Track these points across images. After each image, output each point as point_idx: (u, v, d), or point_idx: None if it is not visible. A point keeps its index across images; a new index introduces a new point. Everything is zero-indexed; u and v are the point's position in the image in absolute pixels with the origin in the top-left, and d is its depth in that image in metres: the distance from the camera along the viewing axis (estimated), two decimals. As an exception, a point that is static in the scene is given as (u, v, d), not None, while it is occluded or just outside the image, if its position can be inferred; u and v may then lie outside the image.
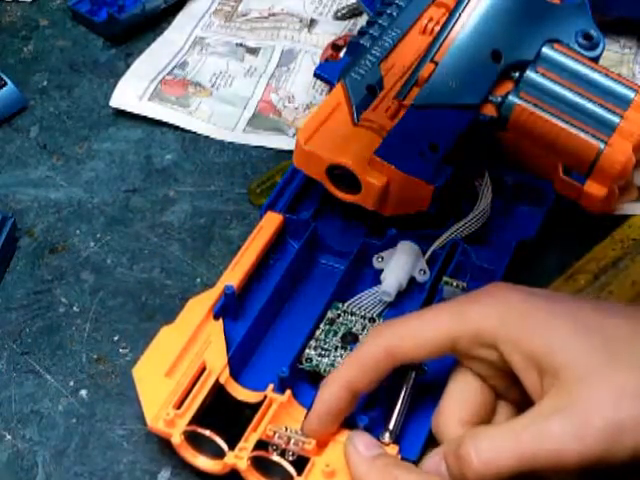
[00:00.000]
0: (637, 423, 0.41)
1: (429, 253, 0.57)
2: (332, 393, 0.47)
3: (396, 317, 0.49)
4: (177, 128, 0.70)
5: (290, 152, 0.61)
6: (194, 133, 0.70)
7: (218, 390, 0.50)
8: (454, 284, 0.54)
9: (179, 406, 0.49)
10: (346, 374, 0.47)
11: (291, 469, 0.47)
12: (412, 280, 0.57)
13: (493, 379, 0.48)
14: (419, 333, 0.47)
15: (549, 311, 0.45)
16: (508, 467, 0.42)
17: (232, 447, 0.48)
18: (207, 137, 0.70)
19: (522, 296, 0.47)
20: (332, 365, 0.52)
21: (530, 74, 0.59)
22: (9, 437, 0.53)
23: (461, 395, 0.48)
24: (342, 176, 0.56)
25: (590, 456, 0.41)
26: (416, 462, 0.49)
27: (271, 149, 0.69)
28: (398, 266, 0.56)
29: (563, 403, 0.42)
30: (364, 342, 0.48)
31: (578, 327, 0.44)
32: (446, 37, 0.60)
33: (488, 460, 0.42)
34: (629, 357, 0.43)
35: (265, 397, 0.49)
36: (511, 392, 0.48)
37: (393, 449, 0.48)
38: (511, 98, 0.58)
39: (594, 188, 0.60)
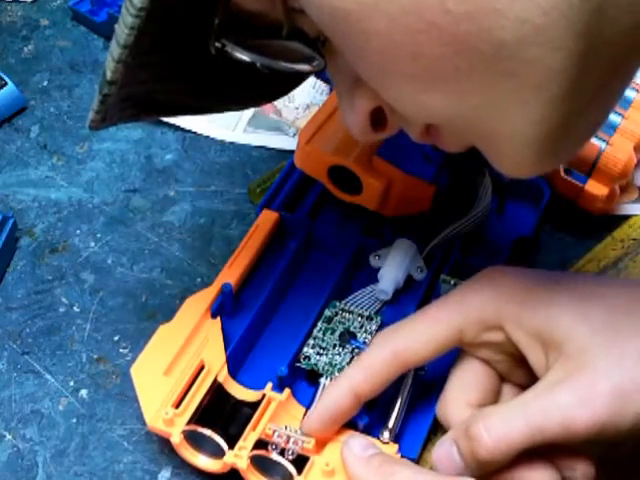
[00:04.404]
0: (638, 387, 0.42)
1: (427, 251, 0.57)
2: (337, 396, 0.47)
3: (398, 321, 0.49)
4: (177, 128, 0.71)
5: (290, 152, 0.61)
6: (194, 133, 0.70)
7: (217, 389, 0.50)
8: (451, 282, 0.54)
9: (178, 405, 0.49)
10: (352, 377, 0.47)
11: (291, 468, 0.47)
12: (410, 278, 0.57)
13: (498, 362, 0.48)
14: (426, 333, 0.47)
15: (548, 285, 0.46)
16: (519, 441, 0.43)
17: (232, 446, 0.48)
18: (207, 137, 0.70)
19: (519, 274, 0.47)
20: (330, 364, 0.52)
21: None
22: (9, 437, 0.53)
23: (465, 379, 0.49)
24: (343, 177, 0.56)
25: (597, 422, 0.42)
26: (416, 460, 0.49)
27: (271, 149, 0.69)
28: (395, 264, 0.56)
29: (568, 373, 0.43)
30: (371, 347, 0.48)
31: (578, 298, 0.45)
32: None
33: (499, 436, 0.43)
34: (629, 324, 0.44)
35: (264, 396, 0.49)
36: (515, 374, 0.48)
37: (392, 448, 0.48)
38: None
39: (595, 188, 0.60)
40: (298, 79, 0.56)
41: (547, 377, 0.44)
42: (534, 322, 0.45)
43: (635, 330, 0.43)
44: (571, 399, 0.42)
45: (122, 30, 0.41)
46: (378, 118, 0.44)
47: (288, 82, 0.56)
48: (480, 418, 0.44)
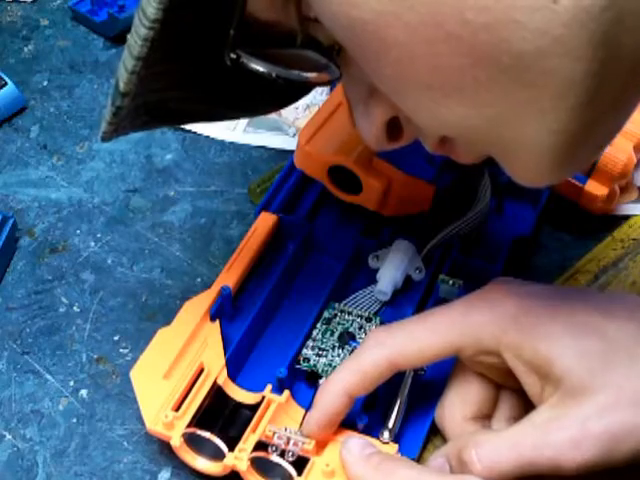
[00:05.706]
0: (633, 429, 0.42)
1: (425, 251, 0.57)
2: (332, 398, 0.47)
3: (395, 321, 0.49)
4: (177, 128, 0.70)
5: (290, 152, 0.61)
6: (194, 133, 0.70)
7: (216, 391, 0.50)
8: (450, 282, 0.54)
9: (177, 408, 0.49)
10: (346, 380, 0.47)
11: (291, 469, 0.47)
12: (408, 278, 0.57)
13: (494, 375, 0.49)
14: (421, 343, 0.47)
15: (550, 316, 0.46)
16: (509, 471, 0.43)
17: (232, 448, 0.48)
18: (208, 137, 0.70)
19: (522, 301, 0.47)
20: (330, 365, 0.52)
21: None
22: (9, 437, 0.53)
23: (463, 391, 0.49)
24: (343, 177, 0.56)
25: (588, 463, 0.42)
26: (416, 460, 0.49)
27: (271, 149, 0.69)
28: (393, 265, 0.56)
29: (562, 412, 0.43)
30: (364, 349, 0.48)
31: (579, 332, 0.45)
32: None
33: (490, 465, 0.43)
34: (628, 363, 0.43)
35: (263, 398, 0.49)
36: (511, 382, 0.48)
37: (392, 448, 0.48)
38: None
39: (595, 188, 0.60)
40: (310, 86, 0.56)
41: (542, 411, 0.44)
42: (534, 356, 0.45)
43: (634, 371, 0.43)
44: (563, 439, 0.42)
45: (135, 41, 0.40)
46: (393, 128, 0.43)
47: (300, 89, 0.56)
48: (473, 444, 0.44)
